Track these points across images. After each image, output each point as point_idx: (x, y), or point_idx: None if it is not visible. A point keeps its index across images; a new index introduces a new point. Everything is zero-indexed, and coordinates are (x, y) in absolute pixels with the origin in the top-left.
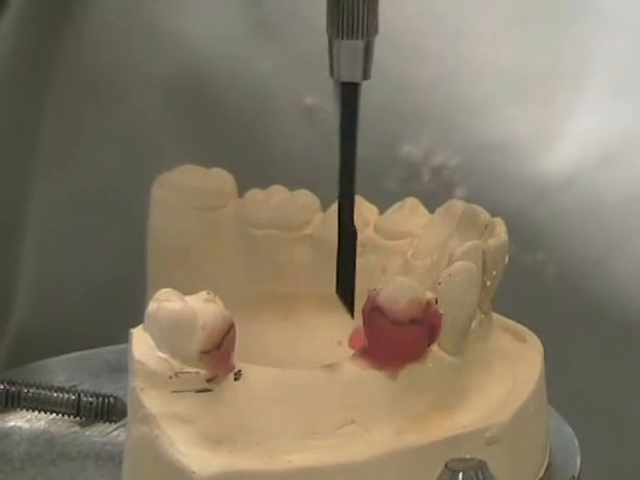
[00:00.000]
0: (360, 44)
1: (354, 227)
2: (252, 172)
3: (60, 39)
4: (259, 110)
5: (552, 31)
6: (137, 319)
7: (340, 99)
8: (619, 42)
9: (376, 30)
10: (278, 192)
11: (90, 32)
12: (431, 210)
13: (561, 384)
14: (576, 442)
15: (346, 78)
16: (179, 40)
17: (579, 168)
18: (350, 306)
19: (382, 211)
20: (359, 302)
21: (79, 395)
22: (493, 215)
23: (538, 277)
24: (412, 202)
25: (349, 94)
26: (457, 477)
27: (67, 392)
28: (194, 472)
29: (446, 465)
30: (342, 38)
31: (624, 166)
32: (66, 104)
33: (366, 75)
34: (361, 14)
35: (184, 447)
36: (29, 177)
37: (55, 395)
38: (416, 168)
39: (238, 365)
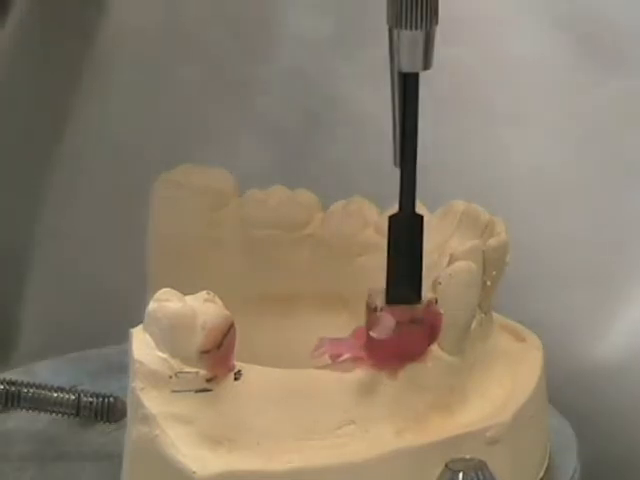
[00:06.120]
0: (420, 34)
1: (416, 212)
2: None
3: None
4: None
5: (610, 207)
6: (137, 319)
7: (401, 89)
8: None
9: (436, 20)
10: (278, 192)
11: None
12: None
13: (561, 384)
14: (576, 442)
15: (406, 68)
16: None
17: (631, 356)
18: (418, 293)
19: (382, 211)
20: (360, 302)
21: (79, 395)
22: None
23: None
24: None
25: (409, 84)
26: (457, 477)
27: (67, 392)
28: (194, 472)
29: (446, 465)
30: (402, 28)
31: None
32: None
33: (427, 65)
34: (421, 4)
35: (184, 447)
36: (39, 185)
37: (55, 395)
38: None
39: (238, 365)
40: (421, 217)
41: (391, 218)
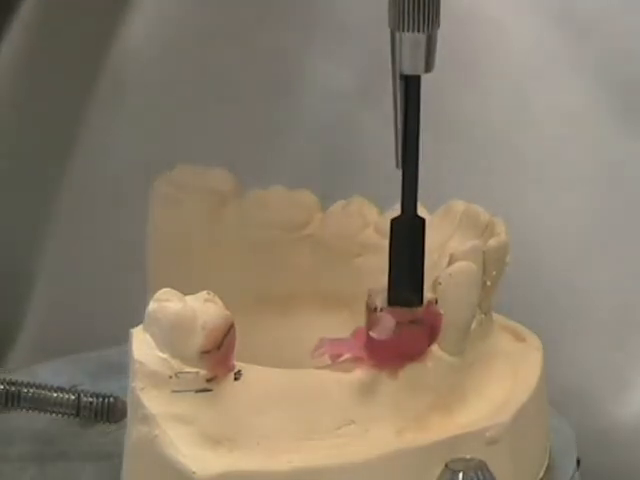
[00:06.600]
0: (422, 37)
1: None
2: None
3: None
4: None
5: (614, 208)
6: (137, 319)
7: (403, 91)
8: None
9: (438, 23)
10: (278, 192)
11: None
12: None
13: (561, 384)
14: (576, 442)
15: (408, 71)
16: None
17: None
18: (419, 296)
19: (382, 211)
20: (360, 302)
21: (79, 395)
22: None
23: None
24: None
25: (411, 86)
26: (457, 477)
27: (67, 392)
28: (194, 472)
29: (446, 465)
30: (404, 31)
31: None
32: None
33: (428, 67)
34: (423, 7)
35: (184, 447)
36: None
37: (55, 395)
38: None
39: (238, 365)
40: (423, 220)
41: (393, 221)
